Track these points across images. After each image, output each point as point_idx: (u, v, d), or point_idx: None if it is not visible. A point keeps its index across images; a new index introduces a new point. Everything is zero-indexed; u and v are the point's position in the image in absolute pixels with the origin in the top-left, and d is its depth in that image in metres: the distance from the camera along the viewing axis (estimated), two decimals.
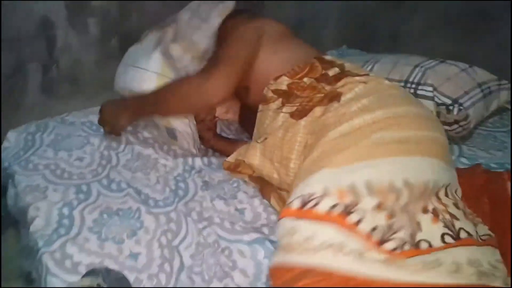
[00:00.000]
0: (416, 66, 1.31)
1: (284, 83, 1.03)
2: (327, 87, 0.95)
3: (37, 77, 1.44)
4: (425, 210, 0.74)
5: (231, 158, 1.10)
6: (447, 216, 0.74)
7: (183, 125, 1.20)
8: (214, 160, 1.22)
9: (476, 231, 0.76)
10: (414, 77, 1.28)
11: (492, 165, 1.15)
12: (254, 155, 0.99)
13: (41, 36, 1.39)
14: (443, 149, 0.84)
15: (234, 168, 1.11)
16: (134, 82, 1.23)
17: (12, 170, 1.16)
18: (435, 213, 0.74)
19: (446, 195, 0.78)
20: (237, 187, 1.09)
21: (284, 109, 0.99)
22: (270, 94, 1.05)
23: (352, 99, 0.88)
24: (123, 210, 1.00)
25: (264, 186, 1.06)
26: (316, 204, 0.71)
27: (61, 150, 1.23)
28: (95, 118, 1.29)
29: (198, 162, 1.20)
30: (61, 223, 0.96)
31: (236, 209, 1.01)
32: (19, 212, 1.08)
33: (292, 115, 0.95)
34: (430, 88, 1.24)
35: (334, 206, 0.71)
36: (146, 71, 1.20)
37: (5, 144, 1.29)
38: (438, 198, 0.76)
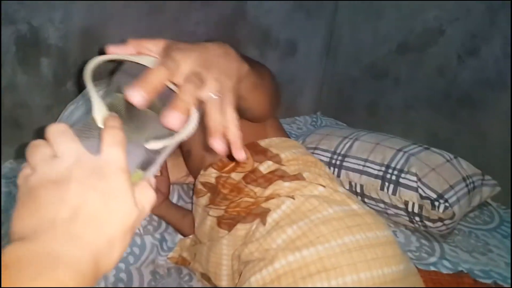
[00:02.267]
0: (399, 150, 1.23)
1: (212, 175, 0.89)
2: (256, 190, 0.81)
3: None
4: None
5: (174, 253, 0.97)
6: None
7: None
8: (167, 237, 1.04)
9: None
10: (397, 163, 1.19)
11: (476, 271, 1.04)
12: (191, 255, 0.93)
13: None
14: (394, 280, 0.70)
15: (182, 262, 0.95)
16: None
17: None
18: None
19: None
20: (190, 279, 0.92)
21: (211, 212, 0.87)
22: (199, 186, 0.92)
23: (277, 224, 0.74)
24: None
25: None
26: None
27: None
28: None
29: (148, 241, 1.01)
30: None
31: None
32: None
33: (219, 223, 0.84)
34: (414, 178, 1.14)
35: None
36: None
37: None
38: None
